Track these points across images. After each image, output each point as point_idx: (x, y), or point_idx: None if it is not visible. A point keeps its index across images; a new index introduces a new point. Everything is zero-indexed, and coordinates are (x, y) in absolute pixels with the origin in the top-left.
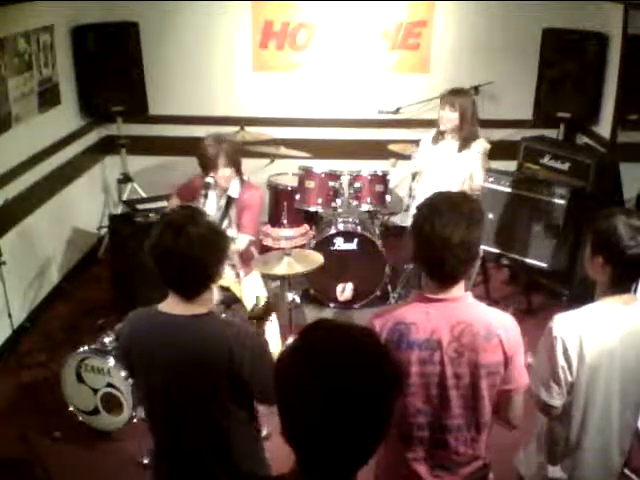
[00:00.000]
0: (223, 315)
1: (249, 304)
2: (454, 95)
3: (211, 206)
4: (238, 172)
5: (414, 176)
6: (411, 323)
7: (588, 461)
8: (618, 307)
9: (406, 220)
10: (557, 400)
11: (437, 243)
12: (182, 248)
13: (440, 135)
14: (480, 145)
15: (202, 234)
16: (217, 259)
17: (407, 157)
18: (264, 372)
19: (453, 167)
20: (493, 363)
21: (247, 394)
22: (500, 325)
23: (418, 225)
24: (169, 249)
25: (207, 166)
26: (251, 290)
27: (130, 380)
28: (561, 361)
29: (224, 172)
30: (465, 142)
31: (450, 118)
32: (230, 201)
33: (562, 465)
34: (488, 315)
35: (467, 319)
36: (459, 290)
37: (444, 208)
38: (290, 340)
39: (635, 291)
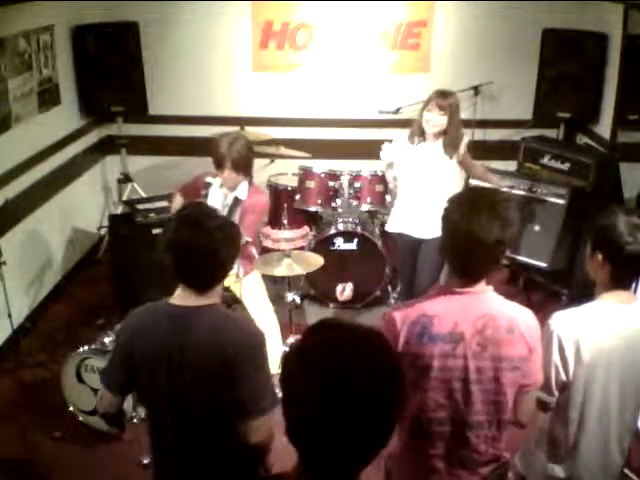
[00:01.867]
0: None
1: (249, 304)
2: (444, 97)
3: (214, 205)
4: (247, 175)
5: (390, 165)
6: (434, 315)
7: (587, 460)
8: (617, 306)
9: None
10: (548, 397)
11: (472, 243)
12: (201, 241)
13: (421, 136)
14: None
15: (219, 227)
16: (233, 252)
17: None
18: (253, 377)
19: (437, 168)
20: (516, 357)
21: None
22: (522, 319)
23: (453, 223)
24: (188, 243)
25: (216, 164)
26: (251, 290)
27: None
28: (556, 359)
29: (229, 174)
30: (452, 147)
31: (438, 122)
32: (237, 202)
33: (562, 464)
34: (510, 309)
35: (490, 312)
36: (482, 284)
37: (481, 207)
38: (290, 340)
39: (635, 291)
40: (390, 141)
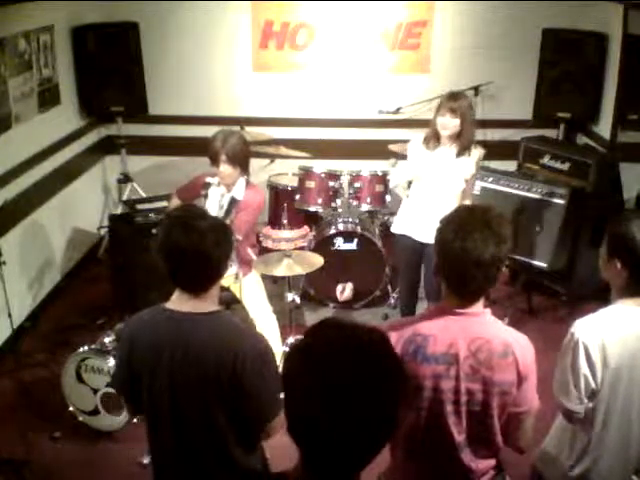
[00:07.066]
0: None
1: (248, 304)
2: (455, 100)
3: (212, 206)
4: (244, 172)
5: (409, 184)
6: (429, 335)
7: (607, 460)
8: (636, 309)
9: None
10: (577, 406)
11: (467, 262)
12: (193, 243)
13: (436, 141)
14: (478, 153)
15: (211, 228)
16: (226, 252)
17: (406, 157)
18: (264, 385)
19: (451, 173)
20: (507, 382)
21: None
22: (517, 345)
23: (447, 243)
24: (180, 245)
25: (211, 159)
26: (250, 290)
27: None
28: (584, 367)
29: (225, 168)
30: (465, 148)
31: (451, 125)
32: (233, 202)
33: (582, 464)
34: (506, 333)
35: (485, 335)
36: (479, 305)
37: (474, 226)
38: (290, 340)
39: None
40: (395, 155)
